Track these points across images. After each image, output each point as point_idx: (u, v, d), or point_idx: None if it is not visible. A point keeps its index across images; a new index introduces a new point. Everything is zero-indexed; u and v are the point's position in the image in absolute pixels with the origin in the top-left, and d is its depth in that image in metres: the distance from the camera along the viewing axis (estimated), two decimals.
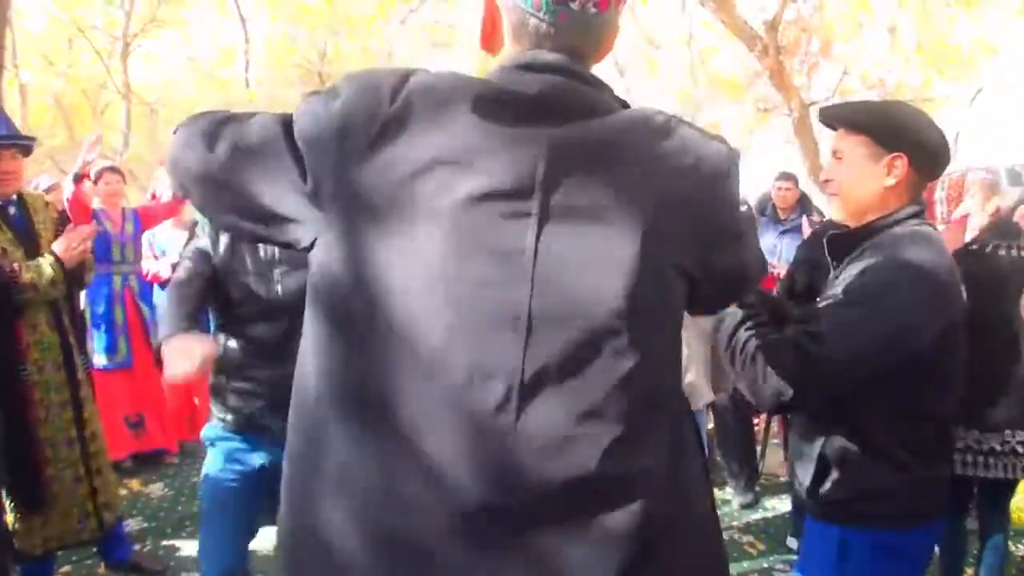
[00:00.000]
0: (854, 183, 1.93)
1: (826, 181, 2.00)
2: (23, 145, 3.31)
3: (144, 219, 5.28)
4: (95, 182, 5.11)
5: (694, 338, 3.47)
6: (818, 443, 1.91)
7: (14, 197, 3.28)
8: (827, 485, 1.91)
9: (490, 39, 1.25)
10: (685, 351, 3.43)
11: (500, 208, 1.09)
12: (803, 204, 6.19)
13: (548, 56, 1.16)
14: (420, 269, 1.08)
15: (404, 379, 1.09)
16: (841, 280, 1.84)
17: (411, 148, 1.10)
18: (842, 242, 1.95)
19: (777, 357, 1.73)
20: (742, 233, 1.26)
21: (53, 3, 17.10)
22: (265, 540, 3.12)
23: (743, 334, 1.80)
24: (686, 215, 1.15)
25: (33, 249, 3.19)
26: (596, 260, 1.10)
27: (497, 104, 1.12)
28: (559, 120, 1.12)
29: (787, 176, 6.32)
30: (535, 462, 1.08)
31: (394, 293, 1.09)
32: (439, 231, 1.08)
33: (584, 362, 1.09)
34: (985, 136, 7.38)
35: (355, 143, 1.11)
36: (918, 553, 1.96)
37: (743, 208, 2.89)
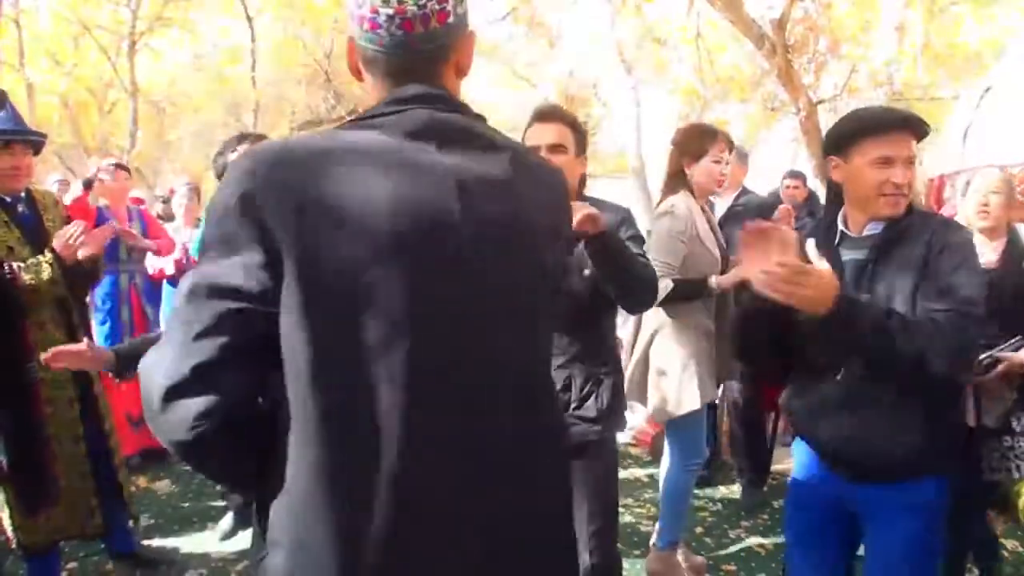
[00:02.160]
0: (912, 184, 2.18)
1: (904, 186, 2.15)
2: (33, 141, 3.30)
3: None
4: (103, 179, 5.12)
5: (696, 335, 3.44)
6: (917, 409, 2.10)
7: (23, 195, 3.29)
8: (927, 445, 2.11)
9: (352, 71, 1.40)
10: (685, 349, 3.41)
11: None
12: (811, 202, 6.17)
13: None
14: None
15: None
16: (904, 259, 2.10)
17: None
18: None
19: (962, 326, 1.99)
20: None
21: (59, 2, 17.15)
22: None
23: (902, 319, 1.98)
24: None
25: (41, 247, 3.18)
26: None
27: None
28: None
29: (795, 174, 6.31)
30: None
31: None
32: None
33: None
34: (994, 135, 7.33)
35: None
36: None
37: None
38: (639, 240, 2.75)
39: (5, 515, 3.19)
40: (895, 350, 1.93)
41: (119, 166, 5.36)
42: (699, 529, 4.19)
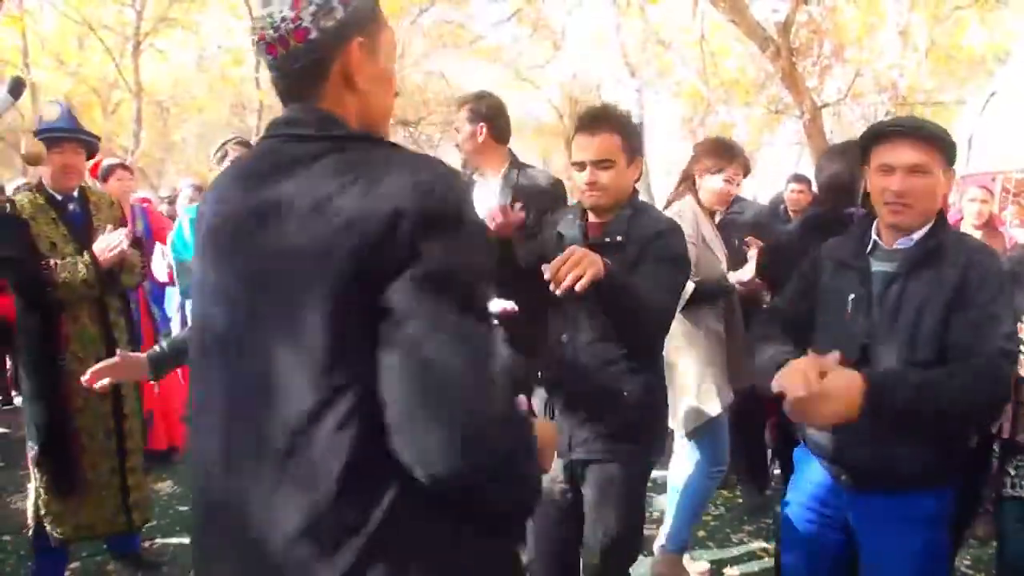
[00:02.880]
0: (931, 195, 2.10)
1: (902, 194, 2.08)
2: (85, 141, 3.38)
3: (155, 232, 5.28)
4: (105, 179, 5.13)
5: (708, 340, 3.42)
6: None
7: (75, 194, 3.36)
8: (938, 455, 2.09)
9: None
10: (701, 356, 3.39)
11: None
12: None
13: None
14: None
15: None
16: (936, 280, 2.05)
17: None
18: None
19: (999, 366, 1.97)
20: None
21: (64, 2, 17.17)
22: None
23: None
24: None
25: (87, 246, 3.23)
26: None
27: None
28: None
29: (800, 178, 6.30)
30: None
31: None
32: None
33: None
34: (998, 140, 7.33)
35: None
36: None
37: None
38: (666, 262, 2.46)
39: (30, 502, 3.24)
40: (935, 413, 1.92)
41: (123, 166, 5.36)
42: (701, 533, 4.17)
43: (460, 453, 1.09)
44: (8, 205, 3.37)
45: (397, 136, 20.14)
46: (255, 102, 19.03)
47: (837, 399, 1.84)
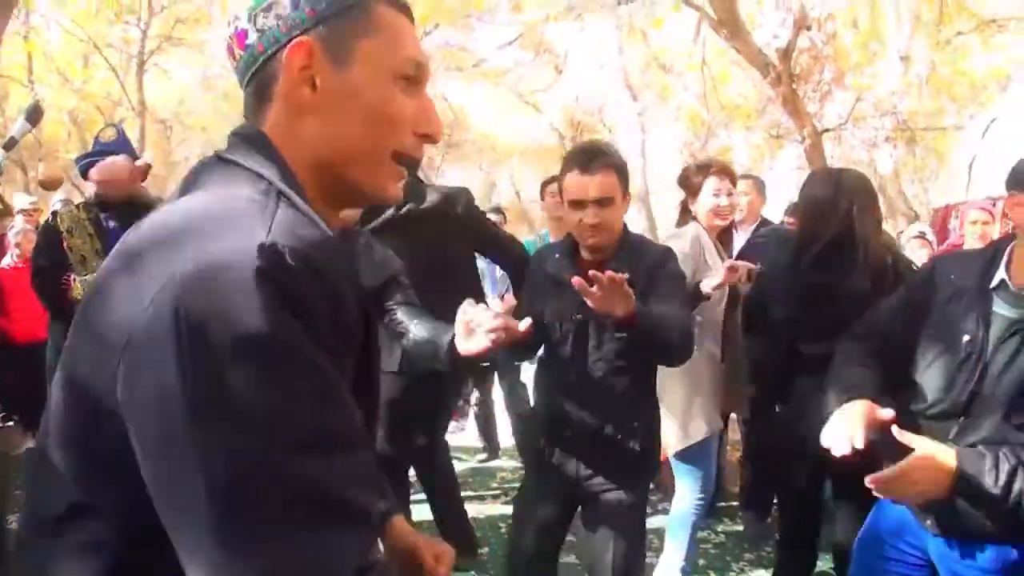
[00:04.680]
0: None
1: None
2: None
3: None
4: None
5: (702, 363, 3.38)
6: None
7: (119, 211, 3.50)
8: None
9: None
10: (690, 378, 3.36)
11: None
12: None
13: None
14: None
15: None
16: None
17: None
18: None
19: None
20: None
21: (70, 20, 17.28)
22: None
23: None
24: None
25: None
26: None
27: None
28: None
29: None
30: None
31: None
32: None
33: None
34: (1000, 166, 7.32)
35: None
36: None
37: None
38: (676, 279, 2.55)
39: None
40: None
41: None
42: (702, 561, 4.13)
43: None
44: (51, 216, 3.65)
45: None
46: None
47: (924, 481, 1.72)
